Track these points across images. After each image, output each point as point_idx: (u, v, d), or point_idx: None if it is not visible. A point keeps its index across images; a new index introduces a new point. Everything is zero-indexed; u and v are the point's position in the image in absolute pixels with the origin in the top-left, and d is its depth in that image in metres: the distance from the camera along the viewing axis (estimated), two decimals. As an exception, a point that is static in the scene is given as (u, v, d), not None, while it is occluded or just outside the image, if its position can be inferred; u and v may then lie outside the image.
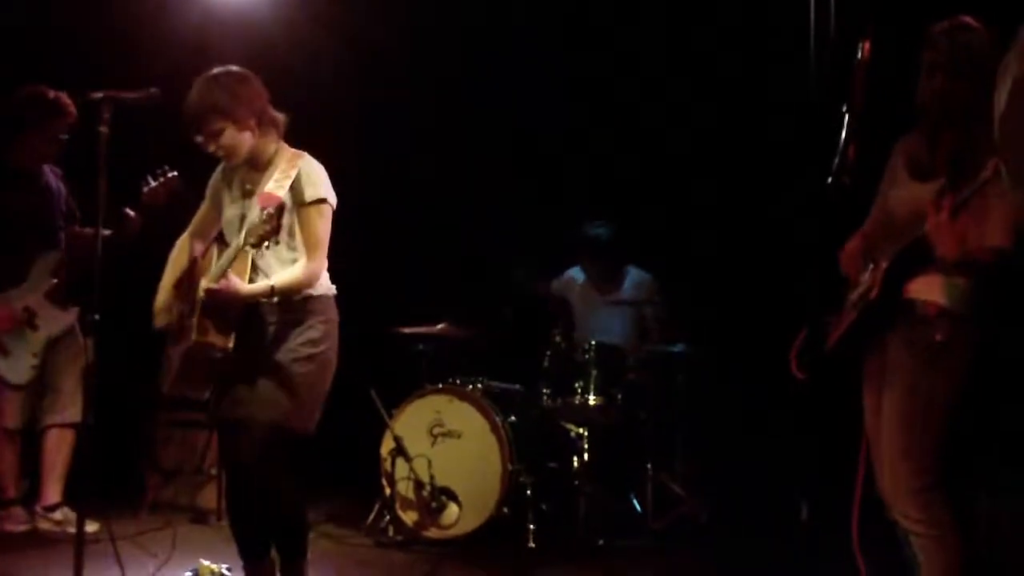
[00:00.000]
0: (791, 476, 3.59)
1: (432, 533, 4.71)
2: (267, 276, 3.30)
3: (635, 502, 5.08)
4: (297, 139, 3.46)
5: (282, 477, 3.32)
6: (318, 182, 3.35)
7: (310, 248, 3.32)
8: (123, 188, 3.68)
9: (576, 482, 4.93)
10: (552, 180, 6.09)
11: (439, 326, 5.09)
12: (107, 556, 3.76)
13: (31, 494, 4.69)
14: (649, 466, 5.06)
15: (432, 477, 4.72)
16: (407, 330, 5.08)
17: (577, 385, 4.89)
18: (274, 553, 3.44)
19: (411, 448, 4.73)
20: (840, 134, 2.87)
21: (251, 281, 3.28)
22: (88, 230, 4.63)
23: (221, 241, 3.49)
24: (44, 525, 4.59)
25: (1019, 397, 3.14)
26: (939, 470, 2.83)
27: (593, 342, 4.98)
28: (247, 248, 3.19)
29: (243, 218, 3.37)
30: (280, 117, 3.43)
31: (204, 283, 3.30)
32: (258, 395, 3.26)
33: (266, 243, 3.16)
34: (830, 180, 2.90)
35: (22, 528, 4.58)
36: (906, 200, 2.95)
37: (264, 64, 3.60)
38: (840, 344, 3.04)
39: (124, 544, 4.06)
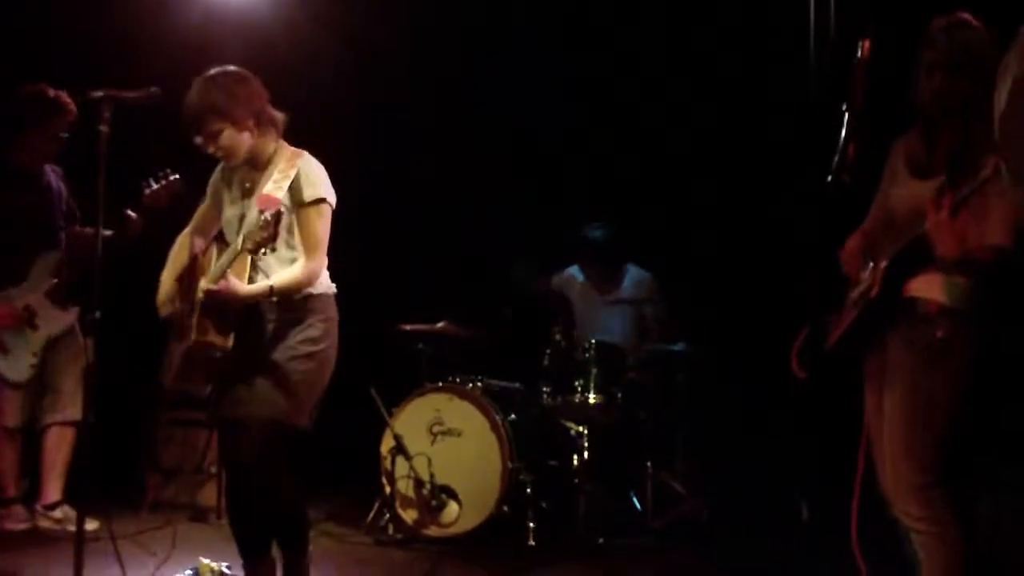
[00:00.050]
0: (791, 475, 3.60)
1: (432, 531, 4.72)
2: (267, 275, 3.30)
3: (635, 501, 5.08)
4: (297, 139, 3.46)
5: (282, 475, 3.32)
6: (317, 181, 3.34)
7: (309, 248, 3.32)
8: (123, 187, 3.68)
9: (576, 480, 4.94)
10: (552, 180, 6.10)
11: (439, 325, 5.10)
12: (107, 554, 3.76)
13: (31, 492, 4.70)
14: (649, 465, 5.06)
15: (432, 475, 4.72)
16: (407, 327, 5.08)
17: (577, 383, 4.89)
18: (274, 551, 3.44)
19: (411, 446, 4.74)
20: (840, 133, 2.88)
21: (251, 280, 3.28)
22: (88, 230, 4.64)
23: (221, 240, 3.50)
24: (44, 523, 4.60)
25: (1020, 396, 3.14)
26: (940, 468, 2.83)
27: (593, 340, 4.99)
28: (245, 253, 3.20)
29: (242, 218, 3.37)
30: (279, 116, 3.43)
31: (203, 284, 3.31)
32: (258, 394, 3.26)
33: (263, 250, 3.16)
34: (830, 179, 2.91)
35: (22, 526, 4.59)
36: (906, 198, 2.95)
37: (264, 64, 3.60)
38: (840, 344, 3.04)
39: (124, 543, 4.06)
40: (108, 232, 4.32)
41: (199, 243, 3.51)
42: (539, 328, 5.46)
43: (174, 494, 5.11)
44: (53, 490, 4.62)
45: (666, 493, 5.10)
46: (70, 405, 4.62)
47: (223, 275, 3.23)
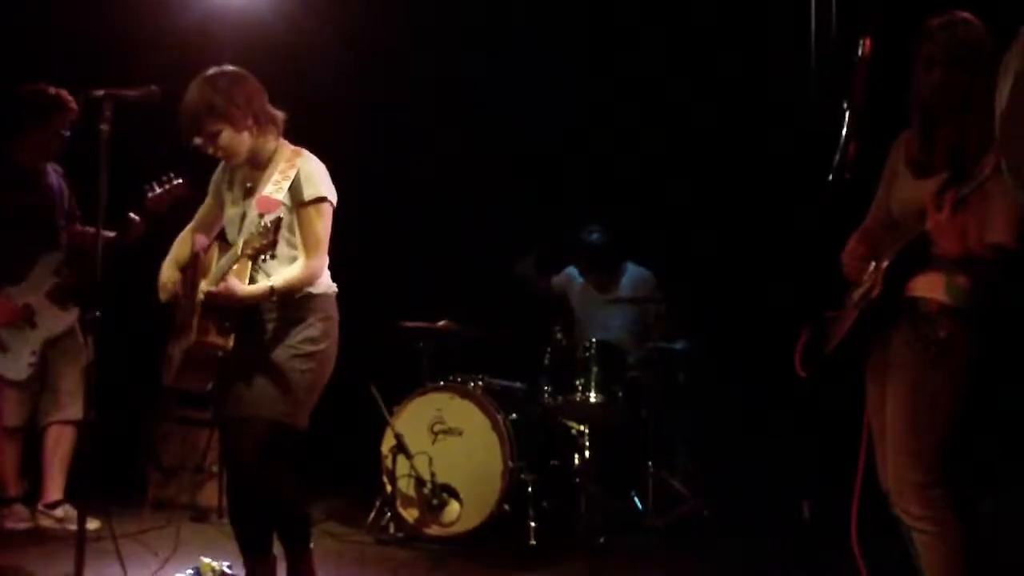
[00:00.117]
0: (792, 475, 3.60)
1: (433, 530, 4.72)
2: (268, 275, 3.30)
3: (636, 500, 5.09)
4: (297, 139, 3.47)
5: (283, 474, 3.33)
6: (317, 180, 3.34)
7: (310, 247, 3.32)
8: (124, 186, 3.68)
9: (577, 480, 4.94)
10: (552, 180, 6.10)
11: (440, 323, 5.10)
12: (108, 553, 3.77)
13: (32, 492, 4.70)
14: (650, 464, 5.07)
15: (433, 474, 4.72)
16: (408, 324, 5.09)
17: (578, 382, 4.89)
18: (276, 550, 3.45)
19: (412, 445, 4.74)
20: (841, 131, 2.89)
21: (252, 279, 3.28)
22: (89, 229, 4.64)
23: (222, 239, 3.50)
24: (45, 523, 4.59)
25: (1020, 395, 3.14)
26: (942, 467, 2.83)
27: (594, 340, 4.99)
28: (244, 258, 3.20)
29: (244, 217, 3.38)
30: (279, 115, 3.43)
31: (204, 285, 3.31)
32: (258, 394, 3.27)
33: (262, 256, 3.16)
34: (831, 177, 2.92)
35: (23, 526, 4.58)
36: (907, 198, 2.95)
37: (264, 63, 3.61)
38: (841, 347, 3.04)
39: (125, 542, 4.06)
40: (110, 234, 4.35)
41: (201, 240, 3.51)
42: (540, 327, 5.47)
43: (175, 493, 5.11)
44: (54, 489, 4.61)
45: (667, 492, 5.10)
46: (70, 404, 4.62)
47: (223, 277, 3.23)
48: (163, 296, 3.52)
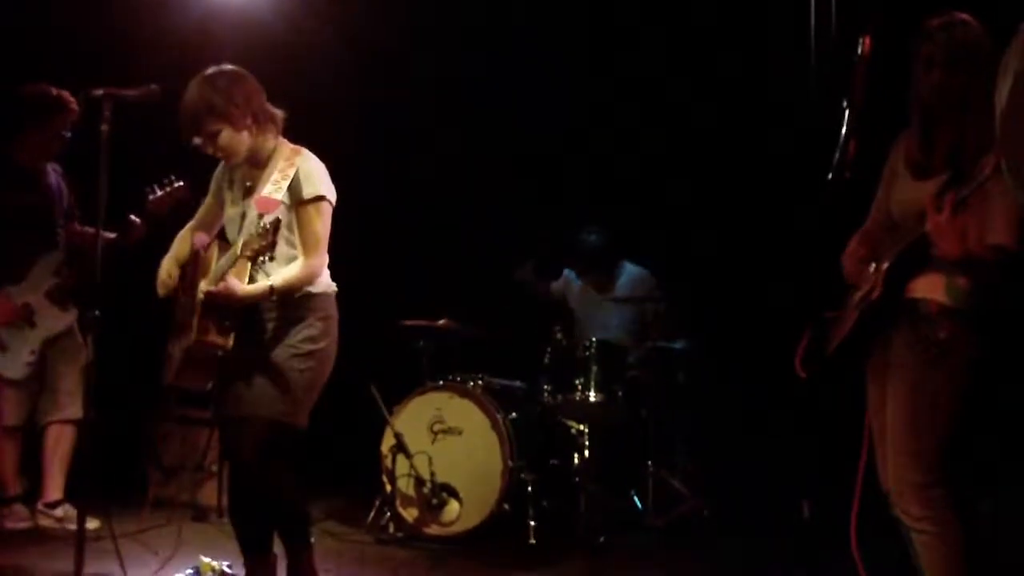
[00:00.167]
0: (792, 475, 3.60)
1: (433, 530, 4.72)
2: (267, 274, 3.30)
3: (636, 499, 5.09)
4: (297, 138, 3.47)
5: (283, 474, 3.33)
6: (316, 179, 3.34)
7: (309, 246, 3.32)
8: (123, 186, 3.68)
9: (577, 479, 4.94)
10: (552, 180, 6.10)
11: (440, 322, 5.10)
12: (108, 553, 3.77)
13: (32, 491, 4.70)
14: (650, 463, 5.07)
15: (433, 474, 4.73)
16: (408, 322, 5.09)
17: (578, 382, 4.89)
18: (276, 549, 3.45)
19: (412, 445, 4.74)
20: (841, 130, 2.88)
21: (252, 279, 3.28)
22: (89, 229, 4.64)
23: (222, 238, 3.50)
24: (45, 522, 4.59)
25: (1020, 395, 3.14)
26: (942, 468, 2.82)
27: (594, 339, 4.99)
28: (243, 258, 3.20)
29: (244, 216, 3.38)
30: (278, 113, 3.43)
31: (204, 285, 3.31)
32: (258, 392, 3.27)
33: (261, 257, 3.16)
34: (831, 176, 2.92)
35: (23, 525, 4.58)
36: (907, 199, 2.95)
37: (264, 63, 3.61)
38: (841, 349, 3.04)
39: (125, 541, 4.08)
40: (111, 235, 4.36)
41: (201, 238, 3.51)
42: (540, 327, 5.47)
43: (175, 493, 5.11)
44: (54, 489, 4.61)
45: (667, 492, 5.10)
46: (70, 404, 4.62)
47: (223, 277, 3.23)
48: (161, 291, 3.52)
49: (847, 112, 2.91)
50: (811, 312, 3.17)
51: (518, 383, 5.24)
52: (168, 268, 3.52)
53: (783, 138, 4.55)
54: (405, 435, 4.74)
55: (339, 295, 3.46)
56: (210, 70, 3.34)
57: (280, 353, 3.29)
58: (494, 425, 4.76)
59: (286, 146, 3.42)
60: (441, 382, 4.98)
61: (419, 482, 4.73)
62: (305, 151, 3.40)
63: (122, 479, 5.04)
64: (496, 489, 4.67)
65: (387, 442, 4.79)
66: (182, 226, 3.64)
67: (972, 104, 2.78)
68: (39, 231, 4.62)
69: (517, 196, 5.96)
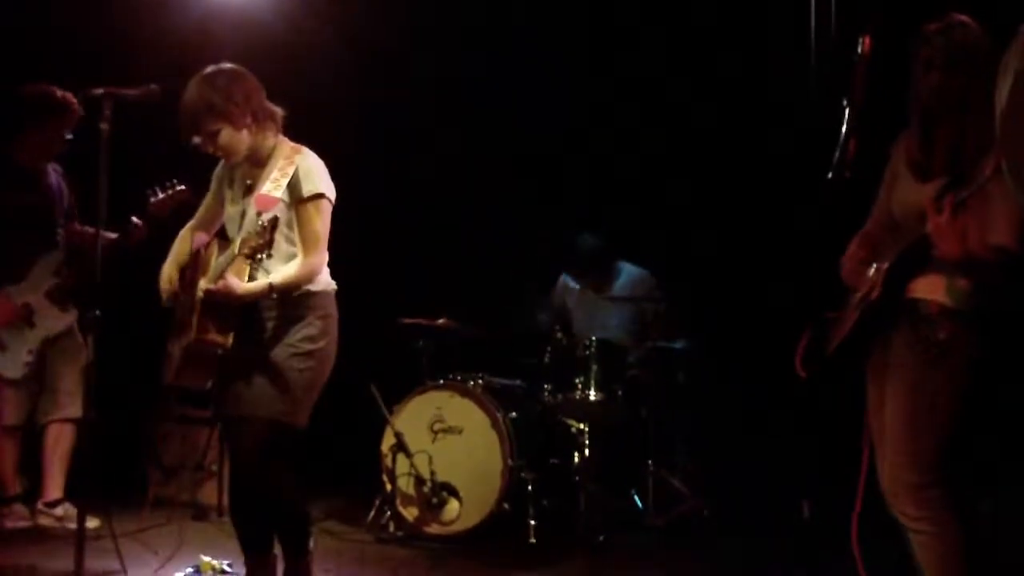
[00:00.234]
0: (792, 475, 3.60)
1: (433, 529, 4.72)
2: (267, 271, 3.30)
3: (636, 498, 5.09)
4: (297, 138, 3.47)
5: (283, 474, 3.33)
6: (316, 177, 3.33)
7: (308, 244, 3.31)
8: (123, 185, 3.68)
9: (577, 478, 4.94)
10: (552, 180, 6.10)
11: (440, 321, 5.10)
12: (108, 552, 3.78)
13: (32, 490, 4.70)
14: (650, 462, 5.07)
15: (433, 473, 4.73)
16: (408, 320, 5.09)
17: (578, 381, 4.89)
18: (277, 549, 3.45)
19: (412, 444, 4.74)
20: (841, 129, 2.89)
21: (251, 277, 3.28)
22: (89, 229, 4.64)
23: (222, 236, 3.50)
24: (45, 521, 4.59)
25: (1021, 396, 3.14)
26: (940, 469, 2.82)
27: (594, 338, 4.99)
28: (241, 256, 3.20)
29: (244, 214, 3.37)
30: (278, 111, 3.42)
31: (203, 284, 3.31)
32: (257, 392, 3.27)
33: (259, 255, 3.16)
34: (831, 175, 2.92)
35: (23, 524, 4.59)
36: (908, 200, 2.95)
37: (264, 62, 3.61)
38: (841, 349, 3.04)
39: (125, 540, 4.08)
40: (112, 235, 4.36)
41: (201, 237, 3.52)
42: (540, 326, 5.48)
43: (175, 492, 5.12)
44: (54, 488, 4.62)
45: (667, 491, 5.10)
46: (69, 404, 4.62)
47: (222, 275, 3.23)
48: (165, 299, 3.52)
49: (847, 112, 2.91)
50: (811, 312, 3.18)
51: (518, 382, 5.24)
52: (169, 274, 3.52)
53: (783, 138, 4.56)
54: (405, 434, 4.74)
55: (339, 294, 3.46)
56: (209, 69, 3.34)
57: (279, 352, 3.29)
58: (494, 424, 4.77)
59: (286, 144, 3.42)
60: (441, 381, 4.98)
61: (419, 481, 4.73)
62: (305, 149, 3.40)
63: (122, 478, 5.04)
64: (496, 488, 4.67)
65: (387, 441, 4.79)
66: (182, 226, 3.65)
67: (971, 105, 2.79)
68: (39, 231, 4.62)
69: (517, 196, 5.96)
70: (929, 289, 2.86)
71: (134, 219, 4.53)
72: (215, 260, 3.40)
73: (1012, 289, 2.78)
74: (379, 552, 4.54)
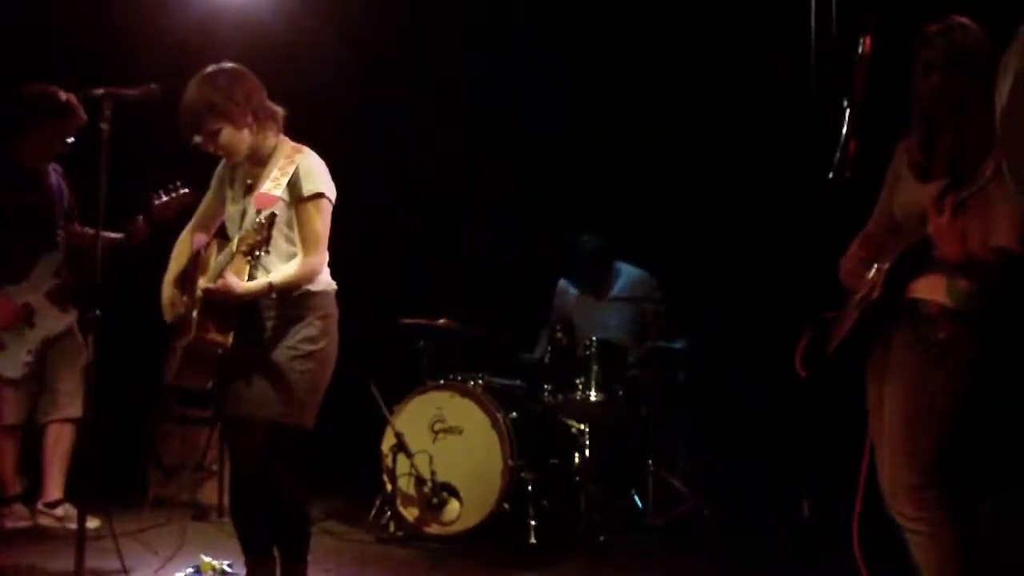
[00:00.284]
0: (792, 475, 3.60)
1: (433, 529, 4.72)
2: (267, 271, 3.30)
3: (636, 499, 5.09)
4: (297, 138, 3.47)
5: (283, 474, 3.33)
6: (316, 176, 3.33)
7: (308, 243, 3.31)
8: (123, 185, 3.68)
9: (577, 478, 4.94)
10: (552, 180, 6.10)
11: (440, 321, 5.10)
12: (108, 552, 3.77)
13: (32, 491, 4.70)
14: (650, 463, 5.07)
15: (433, 473, 4.73)
16: (408, 320, 5.09)
17: (578, 381, 4.89)
18: (277, 550, 3.45)
19: (412, 444, 4.74)
20: (841, 130, 2.89)
21: (251, 277, 3.27)
22: (88, 230, 4.64)
23: (222, 235, 3.50)
24: (45, 521, 4.59)
25: (1021, 396, 3.14)
26: (937, 469, 2.82)
27: (594, 338, 4.99)
28: (240, 254, 3.20)
29: (244, 214, 3.37)
30: (279, 111, 3.42)
31: (202, 282, 3.31)
32: (258, 393, 3.26)
33: (256, 252, 3.15)
34: (831, 176, 2.92)
35: (23, 524, 4.59)
36: (909, 202, 2.95)
37: (264, 62, 3.61)
38: (841, 349, 3.04)
39: (125, 540, 4.07)
40: (115, 235, 4.36)
41: (201, 239, 3.51)
42: (540, 326, 5.48)
43: (175, 492, 5.12)
44: (54, 488, 4.62)
45: (667, 491, 5.10)
46: (69, 404, 4.62)
47: (221, 273, 3.23)
48: (168, 315, 3.50)
49: (847, 112, 2.91)
50: (811, 312, 3.18)
51: (518, 382, 5.24)
52: (170, 296, 3.50)
53: (783, 138, 4.55)
54: (406, 434, 4.74)
55: (339, 294, 3.46)
56: (210, 68, 3.33)
57: (280, 354, 3.28)
58: (494, 424, 4.77)
59: (287, 144, 3.42)
60: (441, 381, 4.99)
61: (419, 481, 4.73)
62: (306, 149, 3.40)
63: (122, 478, 5.05)
64: (496, 488, 4.67)
65: (387, 441, 4.79)
66: (183, 227, 3.64)
67: (972, 107, 2.79)
68: (39, 231, 4.62)
69: (517, 196, 5.96)
70: (929, 289, 2.86)
71: (138, 220, 4.53)
72: (215, 259, 3.40)
73: (1012, 290, 2.78)
74: (379, 552, 4.55)
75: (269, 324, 3.31)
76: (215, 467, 4.98)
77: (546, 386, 5.02)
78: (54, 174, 4.72)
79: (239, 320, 3.27)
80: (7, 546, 4.27)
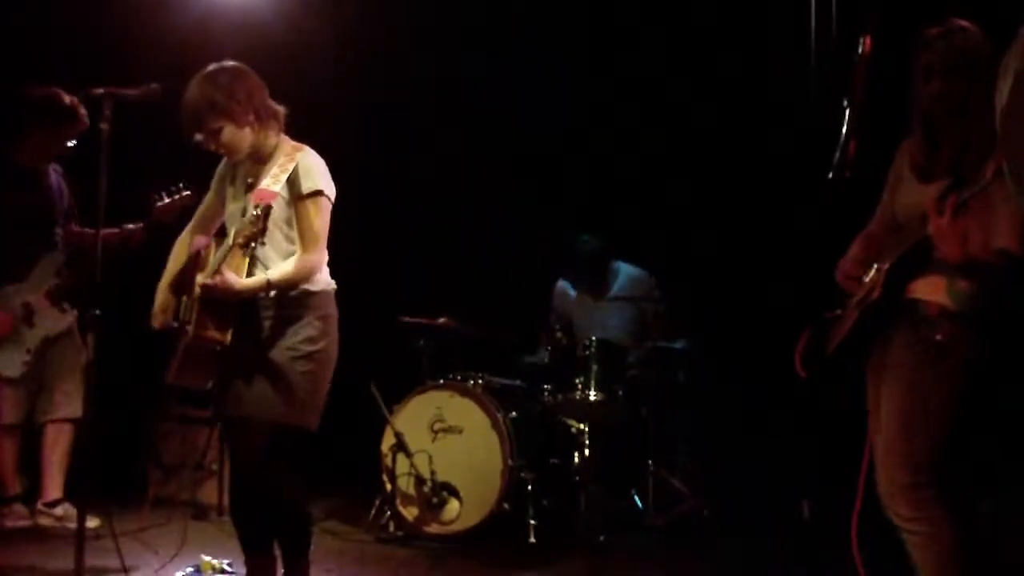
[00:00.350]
0: (792, 475, 3.61)
1: (433, 529, 4.72)
2: (266, 268, 3.29)
3: (636, 499, 5.09)
4: (298, 138, 3.47)
5: (284, 475, 3.33)
6: (315, 174, 3.33)
7: (307, 241, 3.30)
8: (123, 185, 3.68)
9: (577, 478, 4.94)
10: (552, 180, 6.10)
11: (440, 320, 5.11)
12: (108, 551, 3.77)
13: (32, 490, 4.70)
14: (650, 463, 5.07)
15: (433, 473, 4.73)
16: (408, 319, 5.09)
17: (578, 381, 4.89)
18: (277, 549, 3.45)
19: (412, 444, 4.74)
20: (841, 129, 2.89)
21: (250, 274, 3.27)
22: (88, 230, 4.64)
23: (221, 234, 3.50)
24: (45, 521, 4.60)
25: (1021, 396, 3.14)
26: (934, 470, 2.82)
27: (594, 338, 4.99)
28: (236, 248, 3.19)
29: (244, 212, 3.36)
30: (280, 109, 3.42)
31: (200, 278, 3.30)
32: (258, 394, 3.26)
33: (252, 244, 3.15)
34: (831, 176, 2.92)
35: (23, 524, 4.59)
36: (911, 203, 2.96)
37: (264, 62, 3.60)
38: (841, 349, 3.04)
39: (125, 540, 4.07)
40: (114, 230, 4.36)
41: (201, 240, 3.51)
42: (540, 326, 5.47)
43: (175, 491, 5.12)
44: (53, 488, 4.62)
45: (667, 491, 5.10)
46: (68, 403, 4.62)
47: (219, 269, 3.23)
48: (156, 322, 3.48)
49: (847, 112, 2.91)
50: (811, 312, 3.18)
51: (518, 382, 5.24)
52: (163, 301, 3.49)
53: (783, 138, 4.56)
54: (405, 434, 4.74)
55: (339, 294, 3.45)
56: (211, 67, 3.33)
57: (280, 355, 3.28)
58: (494, 424, 4.77)
59: (288, 143, 3.42)
60: (441, 381, 4.99)
61: (419, 481, 4.73)
62: (307, 148, 3.40)
63: (122, 478, 5.05)
64: (496, 488, 4.67)
65: (387, 441, 4.79)
66: (184, 226, 3.64)
67: (973, 110, 2.79)
68: (39, 231, 4.62)
69: (517, 196, 5.96)
70: (929, 290, 2.86)
71: (142, 224, 4.54)
72: (213, 256, 3.40)
73: (1013, 291, 2.78)
74: (379, 552, 4.55)
75: (268, 324, 3.31)
76: (215, 467, 4.98)
77: (546, 386, 5.03)
78: (54, 174, 4.72)
79: (238, 317, 3.27)
80: (7, 546, 4.28)
